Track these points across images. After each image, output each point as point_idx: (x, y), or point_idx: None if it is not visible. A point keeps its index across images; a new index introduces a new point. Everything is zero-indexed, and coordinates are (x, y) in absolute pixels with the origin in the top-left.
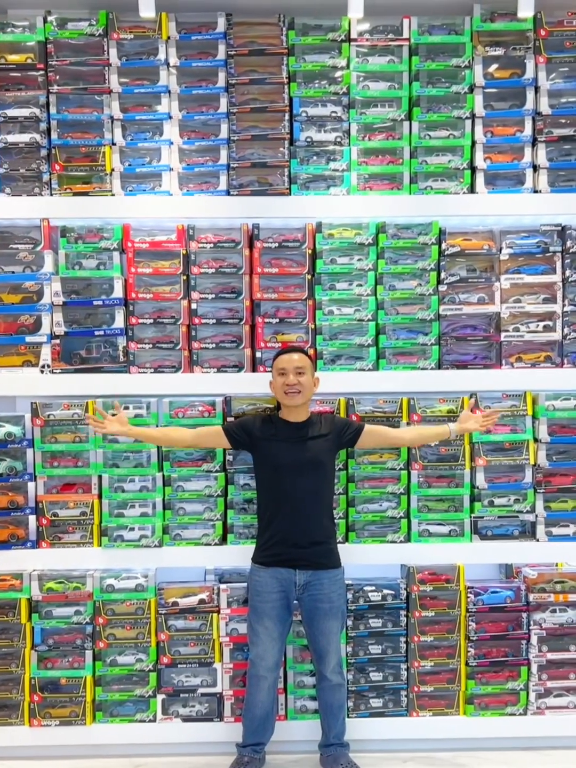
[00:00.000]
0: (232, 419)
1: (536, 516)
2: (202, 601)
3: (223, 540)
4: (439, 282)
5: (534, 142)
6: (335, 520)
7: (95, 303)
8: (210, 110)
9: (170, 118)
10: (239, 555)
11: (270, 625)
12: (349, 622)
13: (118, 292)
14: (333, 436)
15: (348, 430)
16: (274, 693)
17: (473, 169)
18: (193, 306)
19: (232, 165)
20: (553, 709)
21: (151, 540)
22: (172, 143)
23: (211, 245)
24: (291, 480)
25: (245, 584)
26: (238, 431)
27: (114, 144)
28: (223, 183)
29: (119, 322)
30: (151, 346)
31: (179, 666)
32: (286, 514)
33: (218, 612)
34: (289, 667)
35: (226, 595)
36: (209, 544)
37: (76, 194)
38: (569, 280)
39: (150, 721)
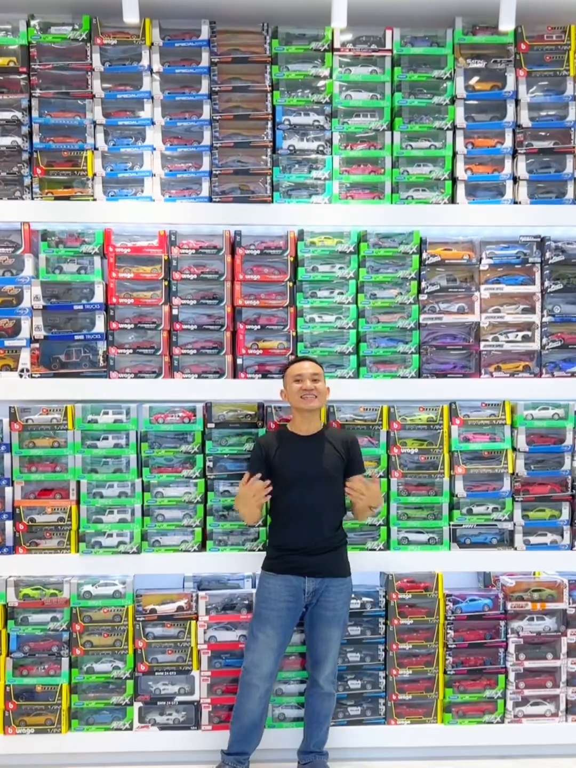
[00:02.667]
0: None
1: (514, 524)
2: (180, 609)
3: (203, 547)
4: (419, 291)
5: (514, 154)
6: (343, 528)
7: (75, 307)
8: (193, 117)
9: (153, 123)
10: (218, 562)
11: (271, 633)
12: None
13: (98, 296)
14: (342, 450)
15: (350, 459)
16: (265, 703)
17: (454, 179)
18: (174, 312)
19: (214, 172)
20: (530, 717)
21: (130, 546)
22: (154, 149)
23: (193, 251)
24: (302, 492)
25: (224, 591)
26: (260, 466)
27: (96, 149)
28: (206, 189)
29: (99, 326)
30: (131, 351)
31: (157, 674)
32: (298, 524)
33: (196, 619)
34: None
35: (205, 602)
36: (188, 551)
37: (57, 198)
38: (548, 290)
39: (126, 729)
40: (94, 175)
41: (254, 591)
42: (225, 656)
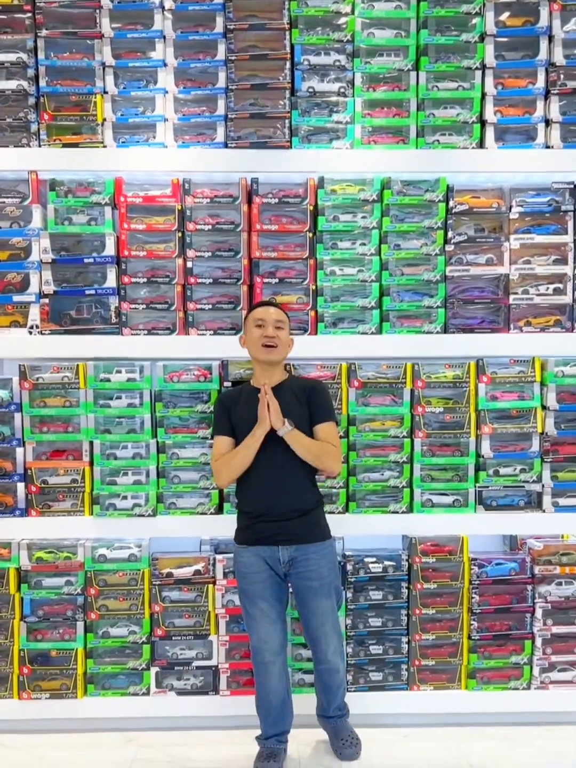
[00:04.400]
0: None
1: (543, 486)
2: (197, 572)
3: (220, 510)
4: (445, 242)
5: (547, 95)
6: (318, 489)
7: (86, 261)
8: (207, 57)
9: (165, 65)
10: (236, 525)
11: (265, 606)
12: (349, 594)
13: (109, 249)
14: (304, 400)
15: (313, 407)
16: (286, 676)
17: (483, 122)
18: (189, 265)
19: (229, 116)
20: (557, 683)
21: (145, 509)
22: (166, 92)
23: (208, 200)
24: (265, 452)
25: None
26: (225, 425)
27: (106, 92)
28: (221, 135)
29: (111, 281)
30: (144, 306)
31: (174, 638)
32: (264, 487)
33: (214, 583)
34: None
35: (222, 566)
36: (205, 514)
37: (65, 145)
38: None
39: (143, 694)
40: (104, 120)
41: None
42: (242, 621)
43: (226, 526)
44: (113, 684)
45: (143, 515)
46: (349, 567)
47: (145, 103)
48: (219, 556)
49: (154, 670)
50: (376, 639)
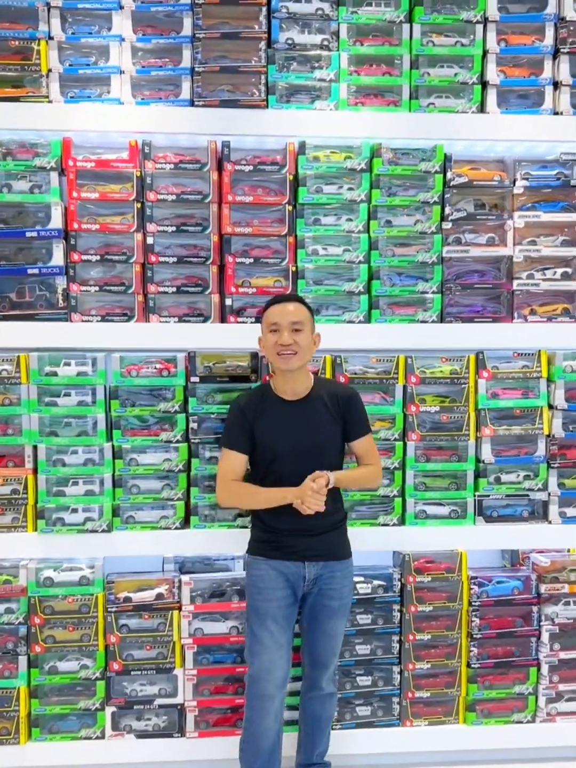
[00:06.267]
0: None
1: (549, 494)
2: (159, 596)
3: (186, 523)
4: (442, 218)
5: (556, 54)
6: (343, 502)
7: (28, 234)
8: (170, 0)
9: (121, 8)
10: (204, 541)
11: (275, 628)
12: None
13: (56, 221)
14: (336, 411)
15: (347, 420)
16: (281, 717)
17: (484, 84)
18: (149, 240)
19: (196, 69)
20: (564, 715)
21: (98, 523)
22: (123, 40)
23: (171, 166)
24: (293, 466)
25: (212, 575)
26: (243, 440)
27: (51, 38)
28: (186, 91)
29: (58, 258)
30: (97, 288)
31: (133, 673)
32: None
33: (179, 609)
34: None
35: (189, 588)
36: (168, 529)
37: (3, 99)
38: None
39: (97, 737)
40: (49, 71)
41: (245, 578)
42: (213, 651)
43: (193, 542)
44: (62, 727)
45: (96, 531)
46: None
47: (98, 52)
48: (185, 577)
49: (109, 709)
50: (365, 669)
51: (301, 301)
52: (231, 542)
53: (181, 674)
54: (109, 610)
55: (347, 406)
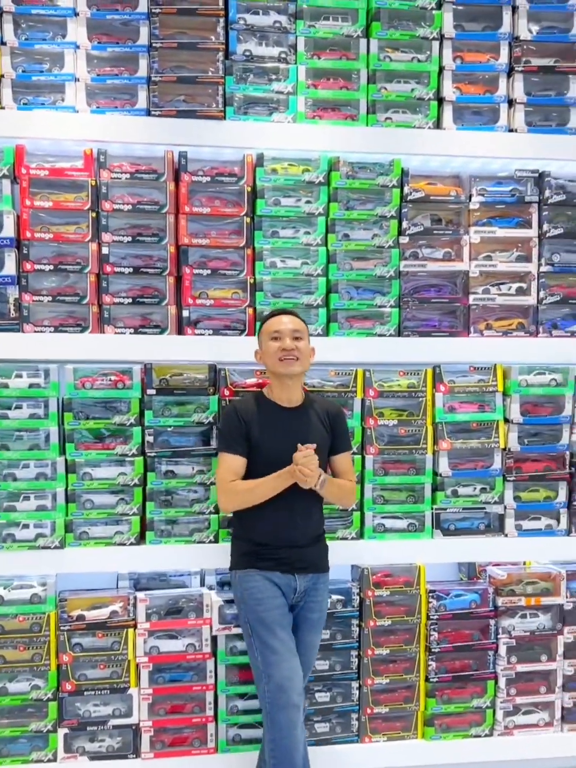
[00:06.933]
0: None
1: (505, 507)
2: (114, 614)
3: (141, 538)
4: (400, 233)
5: (510, 72)
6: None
7: None
8: (127, 8)
9: (76, 14)
10: (160, 557)
11: (285, 636)
12: None
13: (8, 230)
14: (327, 425)
15: (336, 434)
16: (304, 727)
17: (440, 100)
18: (104, 250)
19: (153, 79)
20: (521, 727)
21: (51, 540)
22: (78, 47)
23: (127, 176)
24: None
25: (168, 592)
26: (241, 443)
27: (3, 43)
28: (143, 100)
29: (10, 267)
30: (50, 298)
31: (86, 693)
32: (285, 513)
33: (134, 627)
34: (220, 689)
35: (145, 605)
36: (123, 545)
37: None
38: (546, 235)
39: (49, 760)
40: (2, 76)
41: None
42: (169, 670)
43: (148, 557)
44: (12, 750)
45: (48, 547)
46: None
47: (53, 58)
48: (140, 594)
49: (62, 731)
50: (323, 685)
51: (296, 314)
52: (188, 558)
53: (136, 694)
54: (62, 628)
55: (336, 421)
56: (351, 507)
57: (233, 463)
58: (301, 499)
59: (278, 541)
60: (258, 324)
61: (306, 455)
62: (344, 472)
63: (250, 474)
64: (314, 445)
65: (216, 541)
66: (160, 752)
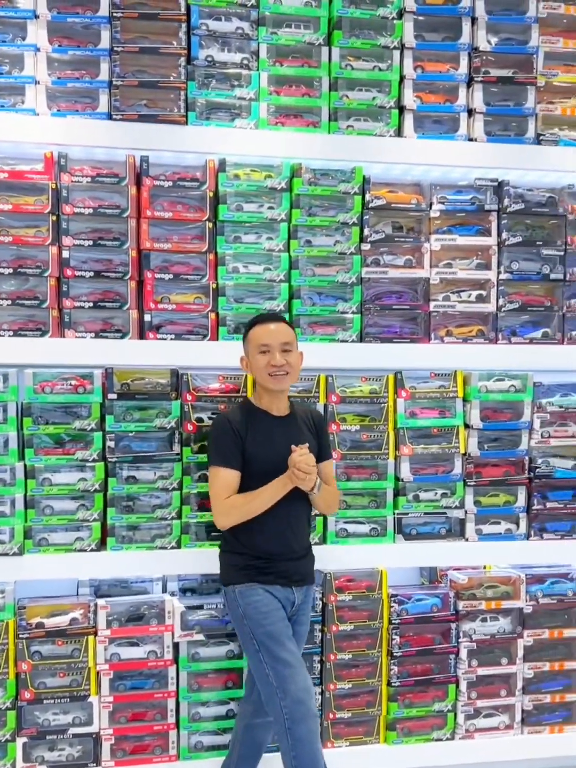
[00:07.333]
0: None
1: (466, 512)
2: (74, 621)
3: (102, 545)
4: (361, 240)
5: (470, 83)
6: None
7: None
8: (88, 12)
9: (36, 17)
10: (122, 563)
11: (293, 648)
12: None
13: None
14: (314, 432)
15: (321, 443)
16: None
17: (401, 109)
18: (65, 254)
19: (115, 83)
20: (483, 731)
21: (9, 546)
22: (38, 49)
23: (88, 179)
24: None
25: (129, 598)
26: (236, 456)
27: None
28: (104, 104)
29: None
30: (9, 302)
31: (45, 702)
32: (280, 526)
33: (95, 634)
34: (182, 696)
35: (105, 612)
36: (84, 551)
37: None
38: (506, 243)
39: None
40: None
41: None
42: (130, 677)
43: (109, 564)
44: None
45: (7, 554)
46: None
47: (12, 60)
48: (101, 601)
49: (20, 740)
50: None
51: (284, 320)
52: (149, 564)
53: (96, 702)
54: (21, 636)
55: (320, 427)
56: (335, 513)
57: (229, 477)
58: (296, 508)
59: (279, 553)
60: (244, 328)
61: (302, 454)
62: (330, 478)
63: (241, 487)
64: (307, 444)
65: (178, 546)
66: (121, 760)
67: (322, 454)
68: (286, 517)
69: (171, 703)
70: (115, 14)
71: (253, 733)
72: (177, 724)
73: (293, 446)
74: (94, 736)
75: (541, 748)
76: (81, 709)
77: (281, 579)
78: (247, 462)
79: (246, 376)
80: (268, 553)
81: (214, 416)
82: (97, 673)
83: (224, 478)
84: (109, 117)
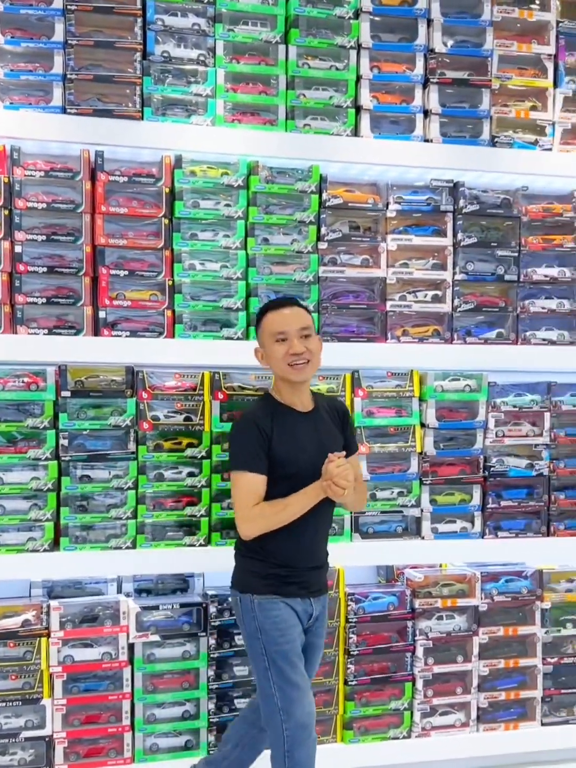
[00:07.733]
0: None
1: (422, 511)
2: (26, 623)
3: (55, 545)
4: (318, 239)
5: (425, 84)
6: None
7: None
8: (41, 4)
9: None
10: (76, 563)
11: (302, 668)
12: (212, 641)
13: None
14: (339, 426)
15: (346, 436)
16: None
17: (358, 108)
18: (17, 249)
19: (69, 76)
20: (439, 729)
21: None
22: None
23: (41, 174)
24: (311, 482)
25: (83, 599)
26: (263, 459)
27: None
28: (58, 98)
29: None
30: None
31: None
32: (307, 534)
33: (48, 635)
34: (137, 698)
35: (58, 613)
36: (36, 551)
37: None
38: (461, 244)
39: None
40: None
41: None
42: (84, 679)
43: (63, 564)
44: None
45: None
46: (211, 609)
47: None
48: (54, 603)
49: None
50: (243, 691)
51: (298, 303)
52: (104, 564)
53: (49, 704)
54: None
55: (345, 420)
56: (362, 509)
57: (255, 483)
58: (324, 515)
59: (304, 562)
60: (255, 316)
61: (339, 465)
62: (357, 474)
63: (271, 487)
64: (343, 453)
65: (134, 547)
66: (75, 764)
67: (349, 448)
68: (314, 524)
69: (126, 705)
70: (69, 7)
71: (255, 745)
72: (132, 727)
73: (330, 455)
74: (47, 739)
75: (496, 746)
76: (33, 713)
77: (302, 590)
78: (273, 464)
79: (203, 373)
80: (293, 562)
81: (171, 415)
82: (50, 675)
83: (250, 483)
84: (64, 111)
